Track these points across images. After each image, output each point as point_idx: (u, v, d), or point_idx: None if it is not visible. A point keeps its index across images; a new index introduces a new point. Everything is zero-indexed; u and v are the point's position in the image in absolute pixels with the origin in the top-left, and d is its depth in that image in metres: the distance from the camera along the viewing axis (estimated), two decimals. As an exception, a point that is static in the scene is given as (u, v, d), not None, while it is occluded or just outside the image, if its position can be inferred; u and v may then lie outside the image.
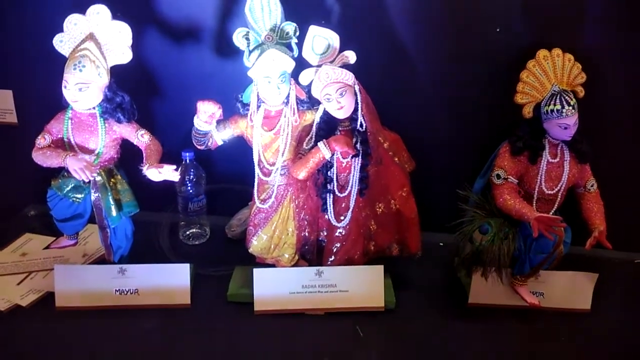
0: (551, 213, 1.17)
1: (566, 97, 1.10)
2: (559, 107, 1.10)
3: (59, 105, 1.18)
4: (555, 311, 1.23)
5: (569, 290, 1.22)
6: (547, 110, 1.11)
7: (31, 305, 1.19)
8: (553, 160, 1.15)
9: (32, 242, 1.42)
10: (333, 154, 1.14)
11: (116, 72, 1.17)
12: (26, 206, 1.57)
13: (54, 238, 1.40)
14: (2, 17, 1.41)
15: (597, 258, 1.37)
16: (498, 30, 1.29)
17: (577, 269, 1.22)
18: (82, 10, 1.13)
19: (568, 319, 1.21)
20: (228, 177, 1.50)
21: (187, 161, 1.38)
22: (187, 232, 1.46)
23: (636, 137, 1.36)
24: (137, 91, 1.21)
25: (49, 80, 1.41)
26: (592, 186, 1.19)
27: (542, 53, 1.13)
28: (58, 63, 1.15)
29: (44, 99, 1.44)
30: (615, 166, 1.34)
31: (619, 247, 1.36)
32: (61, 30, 1.13)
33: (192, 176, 1.39)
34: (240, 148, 1.22)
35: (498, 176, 1.16)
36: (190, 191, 1.40)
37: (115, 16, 1.13)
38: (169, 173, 1.11)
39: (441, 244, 1.45)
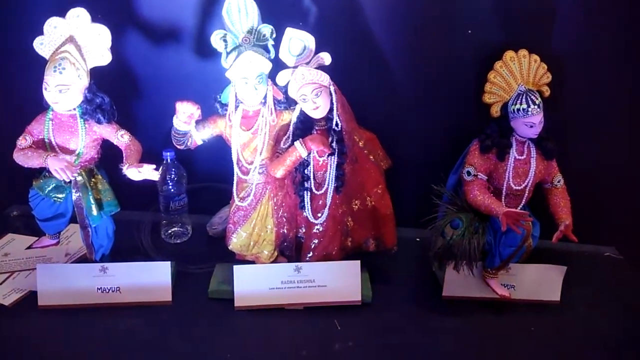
0: (519, 208, 1.21)
1: (532, 97, 1.14)
2: (524, 106, 1.14)
3: (38, 106, 1.19)
4: (526, 303, 1.27)
5: (539, 282, 1.27)
6: (513, 110, 1.16)
7: (14, 305, 1.21)
8: (520, 157, 1.19)
9: (14, 242, 1.43)
10: (309, 153, 1.17)
11: (96, 73, 1.19)
12: (8, 206, 1.58)
13: (37, 238, 1.41)
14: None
15: (567, 251, 1.42)
16: (470, 32, 1.33)
17: (548, 262, 1.26)
18: (62, 13, 1.14)
19: (538, 310, 1.26)
20: (209, 176, 1.52)
21: (168, 160, 1.40)
22: (169, 231, 1.48)
23: (601, 133, 1.41)
24: (117, 92, 1.22)
25: (28, 81, 1.41)
26: (558, 182, 1.23)
27: (508, 54, 1.17)
28: (36, 64, 1.16)
29: (22, 100, 1.46)
30: (583, 162, 1.39)
31: (588, 240, 1.42)
32: (40, 31, 1.14)
33: (173, 175, 1.41)
34: (221, 147, 1.24)
35: (468, 173, 1.20)
36: (172, 190, 1.42)
37: (94, 19, 1.15)
38: (148, 172, 1.13)
39: (417, 239, 1.49)
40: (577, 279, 1.31)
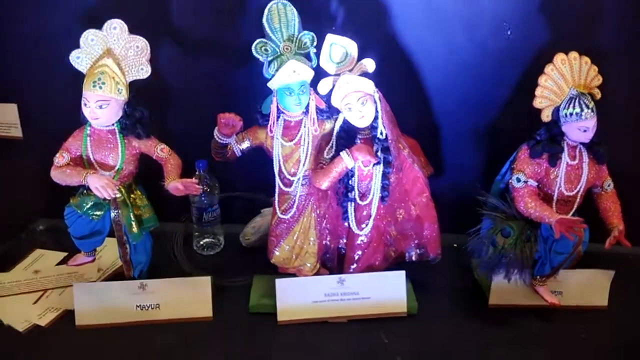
0: (570, 214, 1.18)
1: (585, 100, 1.11)
2: (578, 110, 1.10)
3: (64, 118, 1.15)
4: (574, 309, 1.24)
5: (587, 287, 1.24)
6: (566, 114, 1.12)
7: (50, 325, 1.18)
8: (572, 163, 1.16)
9: (43, 258, 1.40)
10: (355, 163, 1.14)
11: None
12: (34, 221, 1.55)
13: (66, 253, 1.38)
14: (5, 30, 1.38)
15: (611, 254, 1.37)
16: (510, 33, 1.29)
17: (588, 265, 1.23)
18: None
19: (586, 316, 1.23)
20: (239, 184, 1.49)
21: (201, 172, 1.37)
22: (201, 242, 1.45)
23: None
24: (148, 101, 1.18)
25: (53, 93, 1.39)
26: (609, 186, 1.20)
27: (559, 57, 1.13)
28: (62, 76, 1.13)
29: (48, 112, 1.44)
30: (620, 162, 1.35)
31: (633, 242, 1.38)
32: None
33: (205, 186, 1.37)
34: (252, 155, 1.21)
35: (518, 179, 1.16)
36: (205, 201, 1.39)
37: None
38: (191, 187, 1.10)
39: (454, 245, 1.45)
40: (622, 282, 1.27)
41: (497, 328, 1.20)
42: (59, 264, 1.37)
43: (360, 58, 1.11)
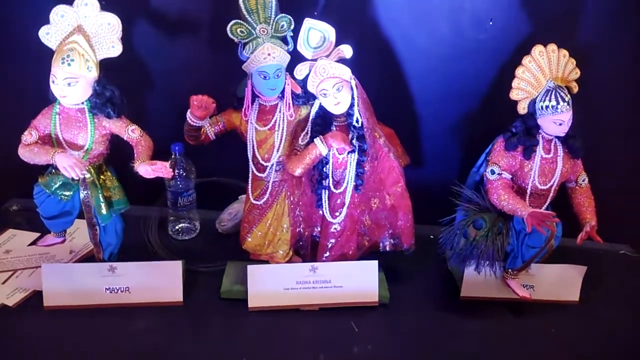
0: (543, 208, 1.18)
1: (561, 94, 1.10)
2: (554, 103, 1.10)
3: (25, 95, 1.14)
4: (545, 303, 1.24)
5: (559, 282, 1.24)
6: (542, 107, 1.11)
7: (18, 305, 1.16)
8: (547, 156, 1.15)
9: (16, 239, 1.38)
10: (329, 150, 1.13)
11: (104, 63, 1.13)
12: (7, 200, 1.52)
13: (39, 234, 1.36)
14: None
15: (581, 249, 1.37)
16: (491, 22, 1.28)
17: (561, 260, 1.23)
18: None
19: (558, 310, 1.23)
20: (217, 169, 1.47)
21: (177, 155, 1.35)
22: (177, 227, 1.44)
23: (616, 130, 1.38)
24: (124, 82, 1.16)
25: (22, 69, 1.36)
26: (583, 181, 1.20)
27: (537, 48, 1.12)
28: (31, 52, 1.10)
29: (20, 91, 1.41)
30: (594, 158, 1.35)
31: (602, 238, 1.38)
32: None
33: (181, 170, 1.36)
34: (229, 140, 1.20)
35: (492, 172, 1.16)
36: (180, 185, 1.37)
37: (102, 6, 1.09)
38: (162, 170, 1.08)
39: (431, 236, 1.45)
40: (594, 278, 1.28)
41: (468, 319, 1.20)
42: (31, 244, 1.36)
43: (338, 44, 1.10)
